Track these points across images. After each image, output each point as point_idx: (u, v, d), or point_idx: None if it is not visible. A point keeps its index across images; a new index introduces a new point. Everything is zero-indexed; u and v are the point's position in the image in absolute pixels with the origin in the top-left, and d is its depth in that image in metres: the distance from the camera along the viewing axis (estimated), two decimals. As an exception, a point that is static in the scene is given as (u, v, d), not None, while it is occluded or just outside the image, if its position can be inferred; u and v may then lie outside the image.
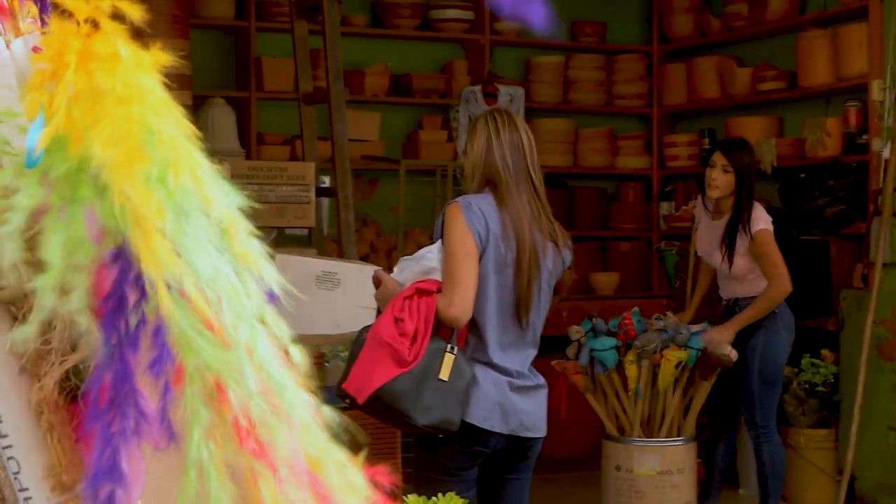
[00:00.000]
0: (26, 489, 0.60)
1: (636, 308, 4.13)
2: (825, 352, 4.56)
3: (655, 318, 4.05)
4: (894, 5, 4.34)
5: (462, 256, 2.66)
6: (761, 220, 3.83)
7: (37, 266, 0.53)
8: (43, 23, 0.76)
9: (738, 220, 3.77)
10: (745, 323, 3.85)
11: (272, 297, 0.70)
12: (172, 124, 0.53)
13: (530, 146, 2.67)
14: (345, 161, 4.29)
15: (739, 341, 3.83)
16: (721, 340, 3.85)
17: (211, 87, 4.89)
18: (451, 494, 1.74)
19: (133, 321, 0.54)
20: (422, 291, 2.67)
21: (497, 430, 2.70)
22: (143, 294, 0.52)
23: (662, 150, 5.77)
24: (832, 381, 4.52)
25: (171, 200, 0.52)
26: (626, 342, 3.94)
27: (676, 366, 3.83)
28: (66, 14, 0.60)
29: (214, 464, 0.52)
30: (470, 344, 2.75)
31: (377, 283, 2.93)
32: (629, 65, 5.74)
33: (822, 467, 4.54)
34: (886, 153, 4.22)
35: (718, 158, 3.85)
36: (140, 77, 0.53)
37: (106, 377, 0.54)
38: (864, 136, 4.60)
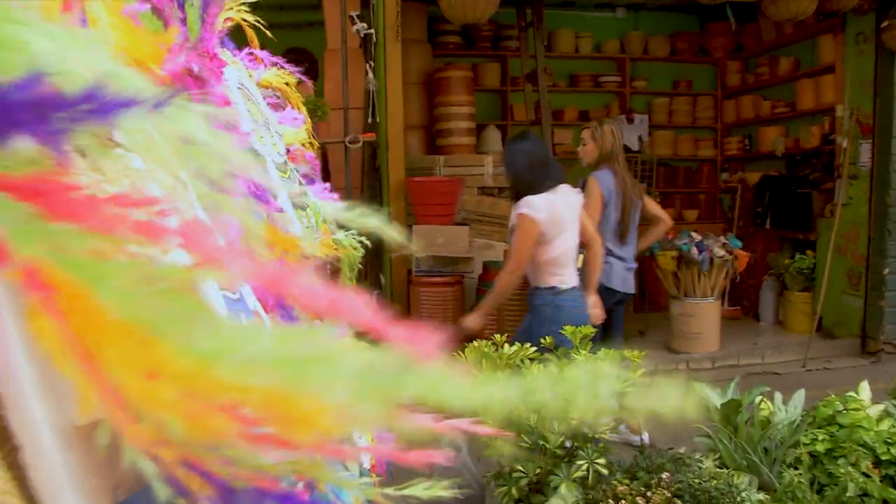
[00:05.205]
0: None
1: (684, 230, 5.82)
2: (808, 251, 6.36)
3: (682, 234, 5.67)
4: (848, 65, 6.03)
5: (593, 204, 3.70)
6: None
7: None
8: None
9: None
10: None
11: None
12: None
13: (622, 144, 3.86)
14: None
15: None
16: None
17: (487, 119, 7.20)
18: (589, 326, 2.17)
19: None
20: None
21: (621, 290, 3.88)
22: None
23: (723, 146, 8.22)
24: (812, 267, 6.27)
25: None
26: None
27: (672, 257, 5.58)
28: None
29: None
30: (605, 247, 3.64)
31: None
32: (705, 101, 8.23)
33: (805, 311, 6.27)
34: (844, 144, 5.95)
35: None
36: None
37: None
38: (833, 135, 6.35)
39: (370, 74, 4.43)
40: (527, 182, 3.08)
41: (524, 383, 0.36)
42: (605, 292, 3.64)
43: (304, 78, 1.14)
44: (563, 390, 0.36)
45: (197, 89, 0.53)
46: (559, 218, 3.07)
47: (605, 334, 3.81)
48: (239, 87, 0.70)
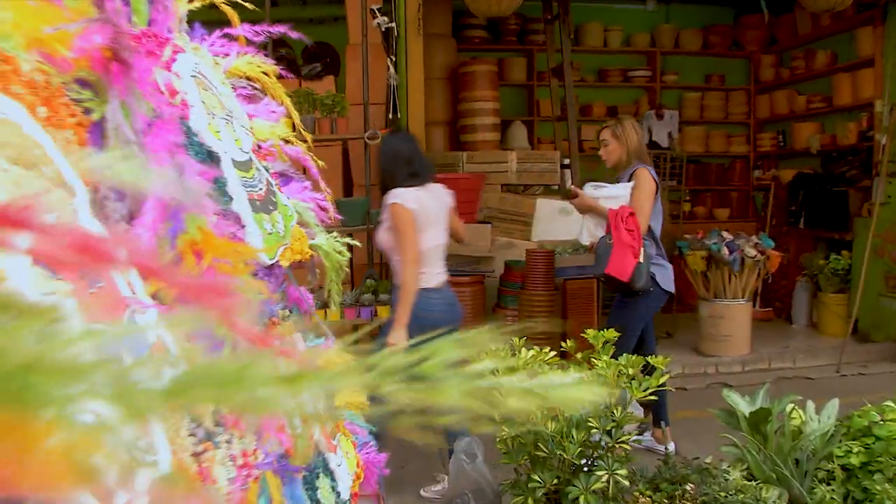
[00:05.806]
0: None
1: (715, 229, 5.73)
2: (844, 252, 6.22)
3: (712, 233, 5.59)
4: (889, 59, 5.90)
5: (649, 197, 3.59)
6: None
7: None
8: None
9: None
10: None
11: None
12: None
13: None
14: (576, 151, 5.78)
15: None
16: None
17: (512, 115, 7.09)
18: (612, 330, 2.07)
19: None
20: (632, 213, 3.50)
21: (672, 290, 3.75)
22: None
23: (756, 142, 8.06)
24: (847, 268, 6.15)
25: None
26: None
27: (701, 257, 5.48)
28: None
29: None
30: (654, 245, 3.64)
31: (574, 195, 3.75)
32: (737, 96, 8.03)
33: (839, 314, 6.14)
34: (883, 141, 5.83)
35: None
36: None
37: None
38: (871, 132, 6.28)
39: (391, 69, 4.37)
40: (390, 177, 3.09)
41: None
42: (662, 295, 3.60)
43: (303, 39, 1.05)
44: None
45: (120, 75, 0.46)
46: (428, 213, 3.07)
47: (642, 338, 3.73)
48: (193, 76, 0.64)
